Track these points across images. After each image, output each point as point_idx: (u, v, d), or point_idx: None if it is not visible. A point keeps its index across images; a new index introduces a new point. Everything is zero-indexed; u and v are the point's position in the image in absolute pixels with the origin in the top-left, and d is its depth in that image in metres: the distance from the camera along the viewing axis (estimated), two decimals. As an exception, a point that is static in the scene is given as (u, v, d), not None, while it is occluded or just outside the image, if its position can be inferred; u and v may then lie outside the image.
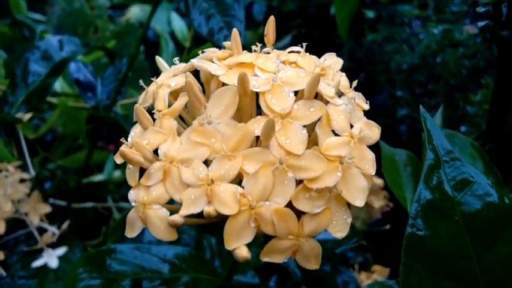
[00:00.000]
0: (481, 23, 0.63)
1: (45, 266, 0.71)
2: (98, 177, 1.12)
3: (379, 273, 0.96)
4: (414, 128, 1.70)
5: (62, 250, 0.73)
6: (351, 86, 0.36)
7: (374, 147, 0.34)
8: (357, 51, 2.02)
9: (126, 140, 0.34)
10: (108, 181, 1.10)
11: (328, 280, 0.79)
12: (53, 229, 0.75)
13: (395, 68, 1.79)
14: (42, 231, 0.75)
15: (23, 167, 0.78)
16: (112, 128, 0.90)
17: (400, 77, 1.79)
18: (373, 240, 1.31)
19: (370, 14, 1.88)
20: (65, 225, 0.77)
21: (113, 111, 0.93)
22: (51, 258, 0.72)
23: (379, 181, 1.02)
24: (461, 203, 0.35)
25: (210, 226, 0.76)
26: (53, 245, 0.74)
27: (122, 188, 1.14)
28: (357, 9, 0.90)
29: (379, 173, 0.67)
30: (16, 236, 0.77)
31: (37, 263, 0.71)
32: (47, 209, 0.75)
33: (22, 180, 0.73)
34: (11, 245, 0.77)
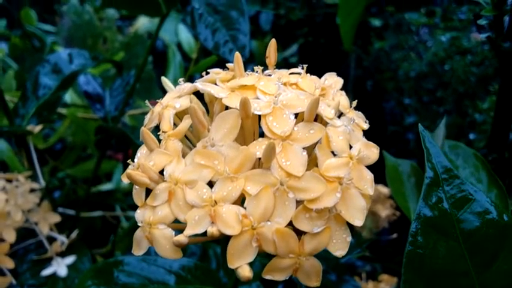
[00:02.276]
0: (483, 35, 0.64)
1: (54, 275, 0.72)
2: (107, 186, 1.13)
3: (387, 282, 0.95)
4: (422, 135, 1.69)
5: (71, 259, 0.74)
6: (351, 106, 0.37)
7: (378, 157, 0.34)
8: (364, 59, 2.02)
9: (133, 161, 0.35)
10: (117, 190, 1.12)
11: (333, 290, 0.79)
12: (62, 238, 0.76)
13: (403, 75, 1.79)
14: (51, 240, 0.75)
15: (33, 177, 0.79)
16: (120, 139, 0.92)
17: (408, 85, 1.79)
18: (380, 250, 1.30)
19: (377, 22, 1.89)
20: (74, 234, 0.77)
21: (121, 122, 0.94)
22: (60, 267, 0.72)
23: (385, 190, 1.02)
24: (461, 221, 0.36)
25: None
26: (62, 254, 0.74)
27: (130, 196, 1.15)
28: (360, 21, 0.90)
29: (385, 182, 0.67)
30: (26, 245, 0.78)
31: (46, 272, 0.71)
32: (56, 218, 0.75)
33: (32, 190, 0.74)
34: (21, 253, 0.78)
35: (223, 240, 0.31)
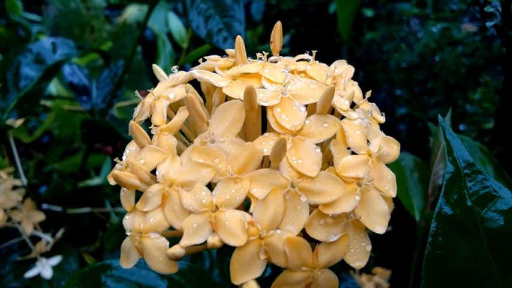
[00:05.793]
0: (489, 23, 0.62)
1: (38, 276, 0.70)
2: (95, 181, 1.09)
3: (380, 275, 0.94)
4: (413, 126, 1.69)
5: (56, 259, 0.72)
6: (364, 97, 0.33)
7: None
8: (356, 50, 2.00)
9: (120, 159, 0.31)
10: (105, 185, 1.08)
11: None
12: (47, 237, 0.73)
13: (394, 66, 1.78)
14: (35, 239, 0.74)
15: (15, 174, 0.76)
16: (108, 132, 0.88)
17: (399, 76, 1.78)
18: (375, 243, 1.29)
19: (369, 12, 1.86)
20: (60, 234, 0.76)
21: (109, 114, 0.90)
22: (45, 268, 0.71)
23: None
24: (485, 219, 0.34)
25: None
26: (47, 254, 0.73)
27: (119, 191, 1.11)
28: (357, 9, 0.87)
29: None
30: (9, 245, 0.75)
31: (30, 273, 0.70)
32: (40, 216, 0.74)
33: (15, 187, 0.71)
34: (3, 254, 0.75)
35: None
